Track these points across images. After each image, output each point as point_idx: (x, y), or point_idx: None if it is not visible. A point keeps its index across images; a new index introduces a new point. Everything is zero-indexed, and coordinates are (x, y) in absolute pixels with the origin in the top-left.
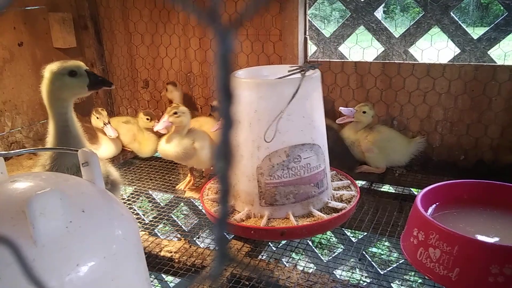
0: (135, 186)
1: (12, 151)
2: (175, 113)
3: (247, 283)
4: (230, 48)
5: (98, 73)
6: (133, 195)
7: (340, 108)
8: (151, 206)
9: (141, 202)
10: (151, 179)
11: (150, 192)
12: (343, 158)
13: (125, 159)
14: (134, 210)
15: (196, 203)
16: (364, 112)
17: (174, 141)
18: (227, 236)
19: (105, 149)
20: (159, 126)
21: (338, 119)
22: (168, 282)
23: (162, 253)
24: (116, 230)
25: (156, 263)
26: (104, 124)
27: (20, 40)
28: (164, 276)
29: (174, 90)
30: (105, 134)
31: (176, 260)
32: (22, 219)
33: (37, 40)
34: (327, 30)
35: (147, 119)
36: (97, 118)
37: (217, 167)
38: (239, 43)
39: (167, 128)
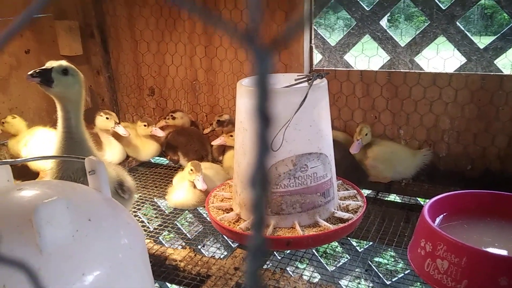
0: (140, 194)
1: (19, 159)
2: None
3: None
4: (268, 69)
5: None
6: (138, 202)
7: (351, 151)
8: (155, 214)
9: (146, 209)
10: (156, 187)
11: (155, 199)
12: (353, 172)
13: (130, 166)
14: (139, 217)
15: (201, 211)
16: (366, 135)
17: (188, 192)
18: (261, 269)
19: (109, 155)
20: None
21: (352, 150)
22: None
23: (167, 262)
24: (122, 239)
25: (161, 272)
26: (116, 123)
27: (27, 47)
28: (169, 285)
29: (185, 116)
30: (111, 135)
31: (181, 269)
32: (29, 227)
33: (44, 48)
34: (332, 39)
35: (144, 125)
36: (107, 118)
37: (253, 194)
38: (245, 51)
39: None
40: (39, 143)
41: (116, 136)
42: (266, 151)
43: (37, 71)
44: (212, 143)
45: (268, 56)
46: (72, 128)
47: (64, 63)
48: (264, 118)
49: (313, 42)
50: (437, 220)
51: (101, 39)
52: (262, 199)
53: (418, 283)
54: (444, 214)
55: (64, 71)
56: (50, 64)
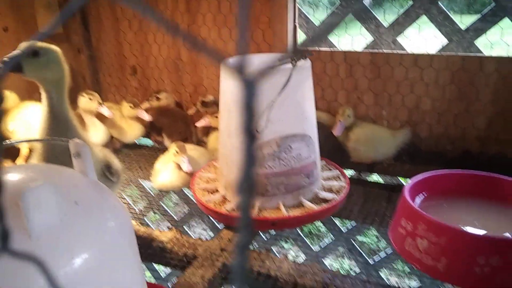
0: (125, 175)
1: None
2: None
3: None
4: (254, 97)
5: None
6: (123, 184)
7: (335, 133)
8: (141, 195)
9: (131, 191)
10: (140, 168)
11: (140, 180)
12: (336, 152)
13: (114, 147)
14: (125, 199)
15: (186, 192)
16: (348, 116)
17: (173, 174)
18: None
19: (93, 137)
20: None
21: (335, 131)
22: (160, 272)
23: (154, 244)
24: (109, 221)
25: (148, 254)
26: (99, 104)
27: (5, 25)
28: (156, 266)
29: (169, 96)
30: (94, 116)
31: (168, 250)
32: (16, 212)
33: (23, 25)
34: (316, 18)
35: (130, 106)
36: (90, 99)
37: (240, 201)
38: (228, 30)
39: None
40: (27, 119)
41: (100, 117)
42: (253, 164)
43: (2, 61)
44: (196, 124)
45: (254, 85)
46: (56, 107)
47: (34, 44)
48: (251, 136)
49: (297, 21)
50: (418, 200)
51: (81, 17)
52: (248, 205)
53: (399, 261)
54: (425, 194)
55: (35, 53)
56: (20, 47)
